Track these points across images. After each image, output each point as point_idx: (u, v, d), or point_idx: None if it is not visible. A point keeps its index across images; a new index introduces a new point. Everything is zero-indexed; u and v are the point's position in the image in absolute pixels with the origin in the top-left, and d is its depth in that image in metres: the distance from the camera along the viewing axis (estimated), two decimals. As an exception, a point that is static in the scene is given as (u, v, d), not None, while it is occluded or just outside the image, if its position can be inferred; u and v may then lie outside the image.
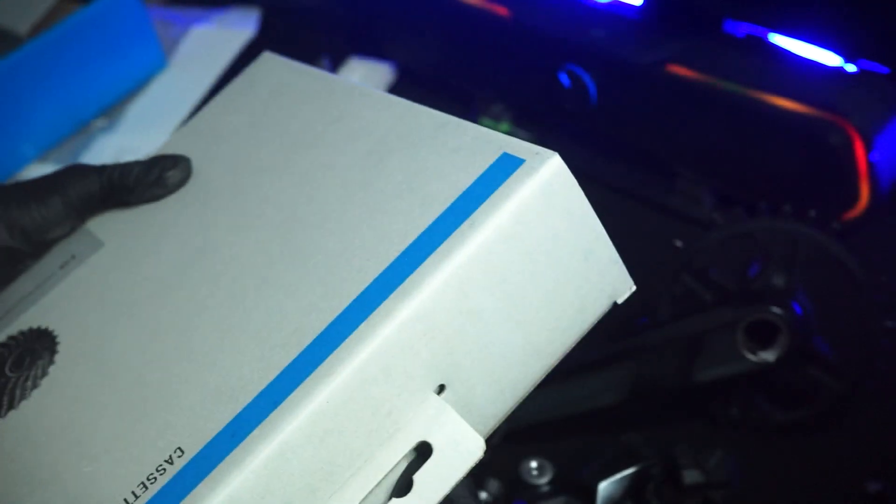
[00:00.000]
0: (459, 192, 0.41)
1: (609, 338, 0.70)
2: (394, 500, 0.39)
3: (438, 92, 1.01)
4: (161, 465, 0.40)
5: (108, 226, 0.52)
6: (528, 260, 0.41)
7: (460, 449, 0.40)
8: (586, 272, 0.43)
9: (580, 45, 0.88)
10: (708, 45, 0.85)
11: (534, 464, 0.66)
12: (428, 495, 0.39)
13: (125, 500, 0.40)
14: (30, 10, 0.99)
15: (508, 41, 0.93)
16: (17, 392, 0.47)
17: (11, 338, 0.50)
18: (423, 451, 0.40)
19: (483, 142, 0.43)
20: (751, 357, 0.65)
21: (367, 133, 0.47)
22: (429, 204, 0.42)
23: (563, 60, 0.89)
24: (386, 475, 0.40)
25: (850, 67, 0.81)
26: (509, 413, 0.44)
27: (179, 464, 0.40)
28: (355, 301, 0.40)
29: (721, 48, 0.85)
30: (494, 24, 0.93)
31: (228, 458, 0.39)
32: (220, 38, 1.10)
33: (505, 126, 0.97)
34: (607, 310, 0.45)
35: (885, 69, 0.80)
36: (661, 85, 0.84)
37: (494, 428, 0.43)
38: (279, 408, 0.39)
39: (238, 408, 0.40)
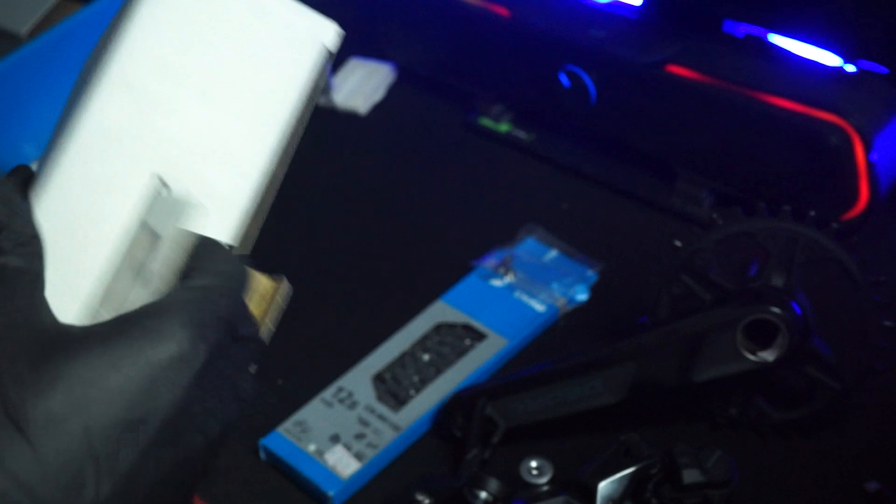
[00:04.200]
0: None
1: (609, 338, 0.70)
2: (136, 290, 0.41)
3: (438, 92, 1.01)
4: None
5: None
6: (196, 39, 0.42)
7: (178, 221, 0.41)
8: (271, 30, 0.43)
9: (580, 45, 0.88)
10: (708, 45, 0.85)
11: (534, 464, 0.66)
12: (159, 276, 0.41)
13: None
14: (30, 10, 0.99)
15: (509, 41, 0.93)
16: None
17: None
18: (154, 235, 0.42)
19: None
20: (750, 357, 0.65)
21: None
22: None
23: (563, 60, 0.89)
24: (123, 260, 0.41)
25: (850, 67, 0.81)
26: (267, 192, 0.44)
27: None
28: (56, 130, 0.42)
29: (721, 48, 0.85)
30: (495, 24, 0.93)
31: None
32: (220, 37, 1.10)
33: (505, 126, 0.97)
34: (323, 57, 0.45)
35: (884, 69, 0.80)
36: (660, 85, 0.84)
37: (257, 211, 0.44)
38: None
39: None
